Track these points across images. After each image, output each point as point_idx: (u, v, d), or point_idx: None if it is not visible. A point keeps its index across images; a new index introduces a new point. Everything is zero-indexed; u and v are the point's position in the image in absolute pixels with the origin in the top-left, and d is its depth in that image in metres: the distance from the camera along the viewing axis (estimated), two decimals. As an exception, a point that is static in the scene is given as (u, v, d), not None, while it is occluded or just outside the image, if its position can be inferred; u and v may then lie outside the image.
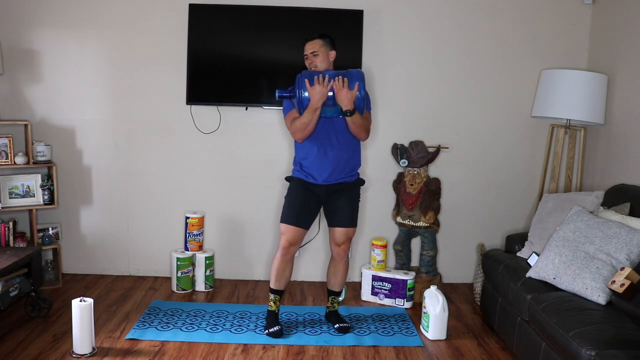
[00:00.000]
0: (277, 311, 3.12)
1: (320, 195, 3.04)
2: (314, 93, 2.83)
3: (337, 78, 2.83)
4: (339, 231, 3.06)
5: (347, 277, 3.22)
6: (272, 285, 3.08)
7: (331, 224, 3.09)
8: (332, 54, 3.06)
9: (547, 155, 3.78)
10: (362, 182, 3.16)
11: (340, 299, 3.48)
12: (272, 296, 3.10)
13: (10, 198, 3.52)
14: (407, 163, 3.53)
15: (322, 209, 3.13)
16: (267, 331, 3.05)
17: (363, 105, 2.88)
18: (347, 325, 3.13)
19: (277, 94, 2.92)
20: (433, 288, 3.09)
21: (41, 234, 3.64)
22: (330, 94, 2.85)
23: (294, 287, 3.86)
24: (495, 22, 3.79)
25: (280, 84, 3.66)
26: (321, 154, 2.98)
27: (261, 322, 3.19)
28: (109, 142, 3.83)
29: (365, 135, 3.00)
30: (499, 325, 3.04)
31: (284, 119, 3.09)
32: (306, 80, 2.85)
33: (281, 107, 3.70)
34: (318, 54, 3.00)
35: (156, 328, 3.07)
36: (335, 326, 3.13)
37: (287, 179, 3.15)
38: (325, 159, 2.98)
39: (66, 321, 3.05)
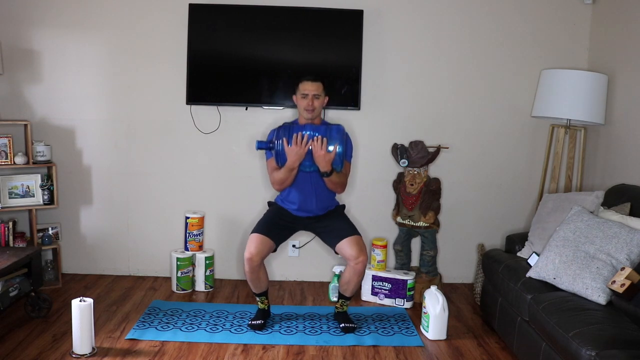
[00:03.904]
0: (266, 308, 3.21)
1: (301, 222, 3.14)
2: (291, 153, 2.85)
3: (315, 138, 2.82)
4: (346, 243, 3.01)
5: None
6: (254, 291, 3.16)
7: (335, 242, 3.07)
8: (326, 99, 3.12)
9: (547, 155, 3.77)
10: (343, 206, 3.27)
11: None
12: (258, 298, 3.19)
13: (10, 198, 3.52)
14: (407, 163, 3.53)
15: (319, 238, 3.24)
16: (250, 322, 3.14)
17: (341, 163, 2.89)
18: (352, 325, 3.13)
19: (256, 145, 2.92)
20: (433, 288, 3.09)
21: (41, 234, 3.64)
22: (310, 147, 2.85)
23: (294, 287, 3.86)
24: (495, 22, 3.79)
25: (280, 84, 3.68)
26: (300, 199, 3.09)
27: (261, 323, 3.20)
28: (109, 142, 3.83)
29: (341, 190, 3.07)
30: (499, 325, 3.03)
31: (266, 163, 3.13)
32: (284, 140, 2.85)
33: (281, 108, 3.74)
34: (320, 97, 3.05)
35: (156, 328, 3.07)
36: (341, 325, 3.14)
37: (269, 203, 3.29)
38: (303, 203, 3.09)
39: (66, 321, 3.05)
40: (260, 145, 2.93)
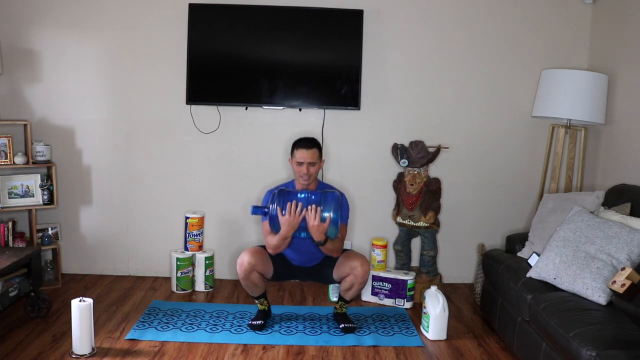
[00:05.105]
0: (266, 309, 3.20)
1: (299, 271, 3.19)
2: (285, 223, 2.83)
3: (310, 207, 2.80)
4: (342, 260, 3.04)
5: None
6: (251, 295, 3.15)
7: (331, 270, 3.08)
8: (323, 162, 3.13)
9: (548, 155, 3.77)
10: None
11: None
12: (257, 300, 3.18)
13: (9, 198, 3.52)
14: (407, 163, 3.53)
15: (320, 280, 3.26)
16: (250, 322, 3.13)
17: (336, 229, 2.87)
18: (352, 325, 3.13)
19: (251, 210, 2.90)
20: (433, 288, 3.09)
21: (41, 234, 3.63)
22: (305, 215, 2.84)
23: (294, 287, 3.86)
24: (495, 22, 3.79)
25: (280, 84, 3.68)
26: (295, 260, 3.14)
27: (261, 323, 3.19)
28: (108, 142, 3.83)
29: (337, 255, 3.06)
30: (499, 325, 3.03)
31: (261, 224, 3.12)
32: (278, 208, 2.83)
33: (280, 108, 3.74)
34: (315, 164, 3.04)
35: (156, 328, 3.07)
36: (341, 326, 3.14)
37: None
38: (300, 261, 3.14)
39: (66, 321, 3.04)
40: (255, 211, 2.90)
